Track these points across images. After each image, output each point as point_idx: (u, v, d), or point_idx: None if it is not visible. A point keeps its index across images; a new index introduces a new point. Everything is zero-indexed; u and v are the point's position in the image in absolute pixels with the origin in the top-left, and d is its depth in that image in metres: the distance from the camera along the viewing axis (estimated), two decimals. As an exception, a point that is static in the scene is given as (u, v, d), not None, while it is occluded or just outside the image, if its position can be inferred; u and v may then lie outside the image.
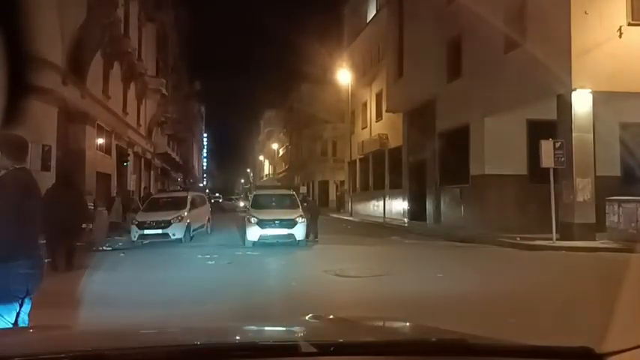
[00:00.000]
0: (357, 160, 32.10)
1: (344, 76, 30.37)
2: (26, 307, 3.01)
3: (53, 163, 13.67)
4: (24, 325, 2.97)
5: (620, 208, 12.45)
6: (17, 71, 1.26)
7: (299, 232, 13.21)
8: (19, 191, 2.97)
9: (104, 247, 12.99)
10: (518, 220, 15.30)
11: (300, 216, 13.43)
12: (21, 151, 3.07)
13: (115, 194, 18.01)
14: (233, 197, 59.20)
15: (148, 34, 29.76)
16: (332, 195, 41.26)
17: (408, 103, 22.47)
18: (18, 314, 2.96)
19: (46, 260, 9.96)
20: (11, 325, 2.88)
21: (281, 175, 58.70)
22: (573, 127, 13.00)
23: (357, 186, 32.46)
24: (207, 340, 1.70)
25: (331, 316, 2.56)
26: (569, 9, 12.73)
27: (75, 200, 10.53)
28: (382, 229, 19.87)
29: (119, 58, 22.52)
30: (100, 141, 20.45)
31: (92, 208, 12.81)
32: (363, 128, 31.48)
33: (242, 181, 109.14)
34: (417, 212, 22.22)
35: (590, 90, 12.87)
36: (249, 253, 12.17)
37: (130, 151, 25.92)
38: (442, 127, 19.86)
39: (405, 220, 22.91)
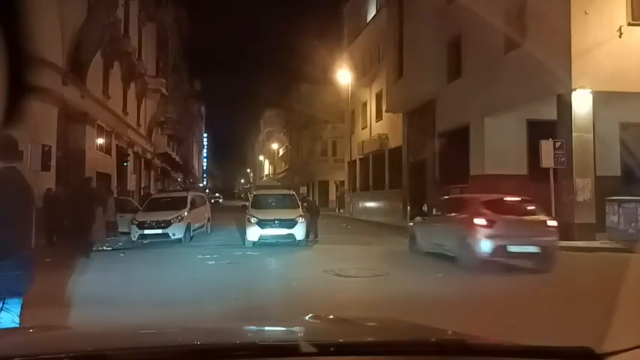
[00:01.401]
0: (357, 160, 32.09)
1: (344, 76, 30.37)
2: (16, 309, 2.97)
3: (53, 163, 13.67)
4: (15, 325, 2.93)
5: (620, 208, 12.45)
6: (17, 71, 1.25)
7: (299, 232, 13.20)
8: (8, 191, 2.93)
9: (104, 247, 12.99)
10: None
11: (300, 216, 13.43)
12: (10, 150, 3.02)
13: (110, 193, 17.97)
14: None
15: (148, 34, 29.76)
16: (332, 195, 41.24)
17: (408, 103, 22.46)
18: None
19: (47, 260, 10.17)
20: None
21: (281, 175, 58.66)
22: (573, 127, 13.00)
23: (357, 186, 32.45)
24: (207, 340, 1.70)
25: (331, 316, 2.56)
26: (569, 9, 12.73)
27: (89, 200, 11.99)
28: (382, 229, 19.86)
29: (119, 58, 22.52)
30: (100, 141, 20.44)
31: None
32: (363, 128, 31.47)
33: (242, 181, 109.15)
34: (417, 212, 22.17)
35: (590, 90, 12.88)
36: (249, 253, 12.17)
37: (130, 151, 25.92)
38: (442, 127, 19.86)
39: (406, 220, 22.88)
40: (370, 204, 29.22)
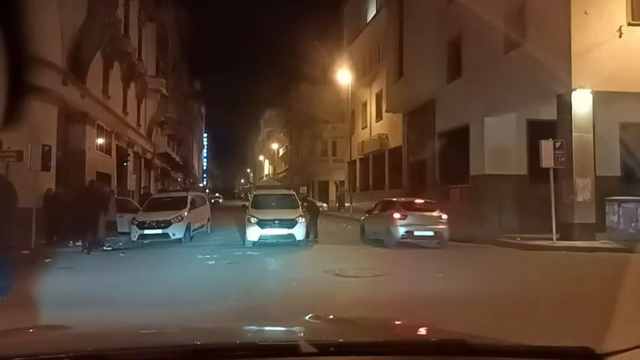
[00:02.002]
0: (357, 160, 32.09)
1: (344, 76, 30.34)
2: None
3: (53, 163, 13.67)
4: None
5: (620, 208, 12.45)
6: (17, 71, 1.25)
7: (299, 232, 13.20)
8: None
9: (104, 247, 12.99)
10: (518, 220, 15.30)
11: (300, 216, 13.43)
12: None
13: (111, 193, 17.96)
14: None
15: (148, 34, 29.74)
16: (332, 195, 41.25)
17: (408, 103, 22.46)
18: None
19: (47, 260, 10.17)
20: None
21: (281, 175, 58.69)
22: (573, 127, 13.00)
23: (357, 186, 32.46)
24: (207, 340, 1.70)
25: (331, 316, 2.56)
26: (569, 9, 12.73)
27: (94, 200, 12.81)
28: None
29: (119, 58, 22.51)
30: (100, 141, 20.43)
31: None
32: (363, 128, 31.47)
33: (242, 181, 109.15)
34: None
35: (590, 90, 12.87)
36: (249, 253, 12.16)
37: (130, 151, 25.90)
38: (442, 127, 19.86)
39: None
40: (370, 204, 29.18)
